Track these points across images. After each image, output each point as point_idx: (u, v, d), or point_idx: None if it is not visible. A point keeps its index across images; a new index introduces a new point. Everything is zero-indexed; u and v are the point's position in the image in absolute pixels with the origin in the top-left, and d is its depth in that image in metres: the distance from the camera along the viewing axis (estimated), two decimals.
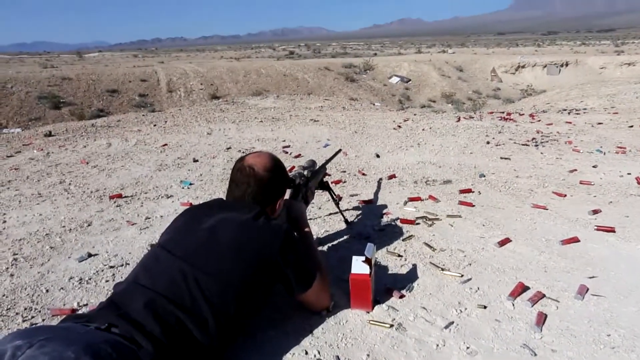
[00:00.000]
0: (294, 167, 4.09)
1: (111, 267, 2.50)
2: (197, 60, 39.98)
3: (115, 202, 3.61)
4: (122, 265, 2.52)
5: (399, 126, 6.64)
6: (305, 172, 2.49)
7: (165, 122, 7.50)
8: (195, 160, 4.87)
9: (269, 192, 1.85)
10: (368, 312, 1.95)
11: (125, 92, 23.21)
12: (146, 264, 1.62)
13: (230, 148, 5.43)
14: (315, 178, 2.63)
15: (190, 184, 4.01)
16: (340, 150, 3.36)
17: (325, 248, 2.68)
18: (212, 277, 1.50)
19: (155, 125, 7.15)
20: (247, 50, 65.01)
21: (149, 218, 3.26)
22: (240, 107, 9.61)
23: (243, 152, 5.16)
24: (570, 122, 6.85)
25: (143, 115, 9.11)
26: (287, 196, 2.11)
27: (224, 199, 1.89)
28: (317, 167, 2.72)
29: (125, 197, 3.74)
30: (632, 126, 6.51)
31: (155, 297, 1.43)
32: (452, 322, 1.86)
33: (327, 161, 2.92)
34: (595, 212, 3.07)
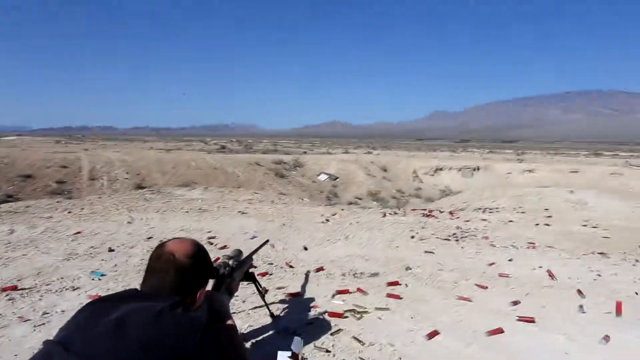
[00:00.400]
0: (218, 257, 3.90)
1: None
2: (125, 149, 39.16)
3: (7, 295, 3.17)
4: None
5: (327, 220, 6.72)
6: (231, 262, 2.36)
7: (82, 209, 7.02)
8: (110, 250, 4.50)
9: (189, 281, 1.67)
10: None
11: (41, 177, 21.79)
12: None
13: (151, 237, 5.12)
14: (240, 268, 2.49)
15: (102, 275, 3.66)
16: (267, 241, 3.27)
17: (249, 344, 2.47)
18: None
19: (69, 212, 6.65)
20: (179, 143, 65.03)
21: (47, 313, 2.87)
22: (166, 197, 9.30)
23: None
24: (485, 220, 7.33)
25: (57, 201, 8.49)
26: (209, 287, 1.95)
27: (138, 289, 1.70)
28: (243, 257, 2.60)
29: (22, 289, 3.30)
30: (537, 224, 7.10)
31: None
32: None
33: (254, 252, 2.81)
34: (515, 303, 3.17)
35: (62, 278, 3.58)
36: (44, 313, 2.86)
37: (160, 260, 1.64)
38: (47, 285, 3.41)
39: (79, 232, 5.25)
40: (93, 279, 3.57)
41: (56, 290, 3.30)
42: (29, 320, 2.75)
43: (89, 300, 3.01)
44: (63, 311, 2.90)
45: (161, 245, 1.71)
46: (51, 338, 1.50)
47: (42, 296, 3.18)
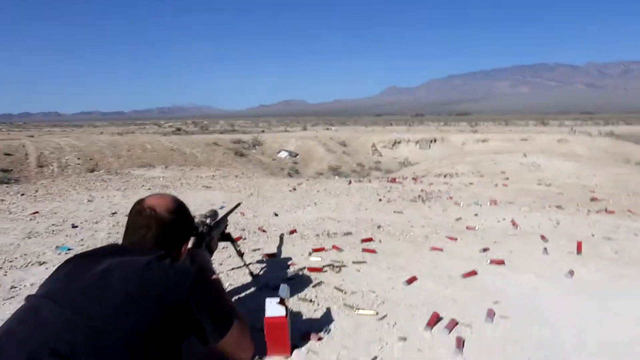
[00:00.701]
0: (195, 216, 3.83)
1: None
2: (74, 134, 37.29)
3: None
4: None
5: (294, 189, 6.71)
6: (208, 221, 2.33)
7: (36, 191, 6.66)
8: (74, 226, 4.32)
9: (172, 236, 1.62)
10: (286, 358, 1.78)
11: None
12: (22, 317, 1.27)
13: (115, 213, 4.95)
14: (218, 228, 2.46)
15: (69, 249, 3.51)
16: (239, 203, 3.23)
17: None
18: (107, 327, 1.23)
19: (22, 195, 6.30)
20: (131, 127, 62.60)
21: (15, 287, 2.73)
22: (124, 177, 8.99)
23: None
24: (447, 183, 7.55)
25: (7, 186, 8.03)
26: (189, 245, 1.91)
27: (123, 243, 1.64)
28: (219, 217, 2.56)
29: None
30: (496, 185, 7.39)
31: (39, 351, 1.13)
32: (376, 357, 1.77)
33: (229, 212, 2.77)
34: (484, 250, 3.31)
35: (25, 255, 3.41)
36: (12, 287, 2.73)
37: (141, 215, 1.58)
38: (10, 262, 3.24)
39: (36, 212, 4.99)
40: (59, 254, 3.42)
41: (21, 266, 3.14)
42: None
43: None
44: (32, 284, 2.77)
45: (140, 201, 1.64)
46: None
47: (6, 272, 3.02)
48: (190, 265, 1.87)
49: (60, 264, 1.48)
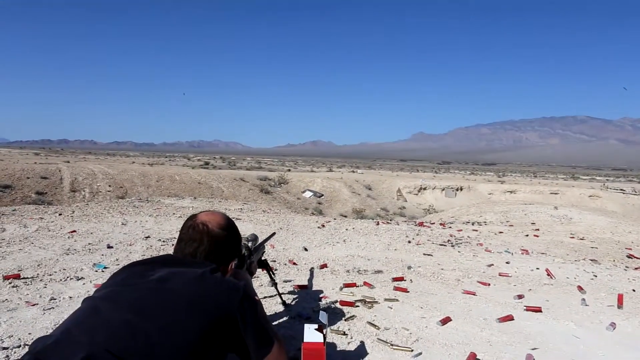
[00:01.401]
0: None
1: (4, 348, 2.06)
2: (107, 162, 38.56)
3: (10, 282, 3.10)
4: (18, 346, 2.10)
5: (323, 225, 6.74)
6: (249, 244, 2.39)
7: (73, 212, 6.90)
8: (109, 247, 4.44)
9: (223, 251, 1.68)
10: None
11: (20, 188, 21.27)
12: (80, 317, 1.32)
13: (149, 237, 5.06)
14: (257, 252, 2.52)
15: (105, 267, 3.60)
16: (275, 233, 3.29)
17: None
18: (164, 330, 1.28)
19: (60, 215, 6.53)
20: (161, 158, 64.39)
21: (55, 299, 2.81)
22: (155, 205, 9.20)
23: (164, 242, 4.83)
24: (476, 230, 7.44)
25: (44, 207, 8.32)
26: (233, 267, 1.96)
27: (177, 254, 1.70)
28: (259, 242, 2.62)
29: (25, 278, 3.23)
30: (527, 235, 7.24)
31: (96, 352, 1.18)
32: None
33: (266, 239, 2.83)
34: (519, 296, 3.23)
35: (64, 269, 3.51)
36: (52, 299, 2.81)
37: (194, 230, 1.65)
38: (50, 275, 3.35)
39: (74, 231, 5.16)
40: (96, 271, 3.51)
41: (60, 280, 3.23)
42: (36, 304, 2.69)
43: (95, 288, 2.98)
44: (71, 297, 2.85)
45: (193, 216, 1.72)
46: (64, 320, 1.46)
47: (46, 285, 3.11)
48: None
49: (117, 270, 1.56)
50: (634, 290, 3.63)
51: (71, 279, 3.27)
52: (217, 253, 1.64)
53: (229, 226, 1.74)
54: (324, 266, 4.05)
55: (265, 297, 3.02)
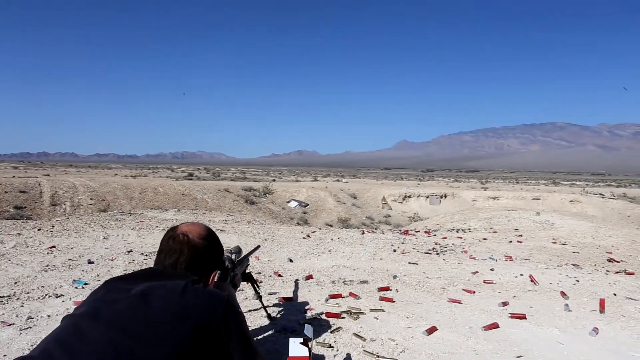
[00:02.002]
0: None
1: None
2: (88, 175, 37.90)
3: None
4: None
5: (308, 235, 6.71)
6: (233, 257, 2.36)
7: (53, 227, 6.75)
8: (90, 262, 4.34)
9: (203, 262, 1.65)
10: None
11: None
12: (60, 336, 1.28)
13: (131, 251, 4.98)
14: (241, 265, 2.49)
15: (86, 284, 3.52)
16: (259, 246, 3.26)
17: None
18: (148, 346, 1.24)
19: (39, 230, 6.38)
20: (144, 170, 63.63)
21: (32, 318, 2.73)
22: (138, 218, 9.06)
23: (147, 256, 4.75)
24: (461, 237, 7.49)
25: (22, 221, 8.13)
26: (215, 278, 1.93)
27: (157, 267, 1.66)
28: (243, 255, 2.59)
29: (0, 297, 3.13)
30: (511, 241, 7.31)
31: None
32: None
33: (251, 252, 2.80)
34: (504, 303, 3.25)
35: (42, 287, 3.43)
36: (29, 318, 2.73)
37: (175, 240, 1.63)
38: (28, 293, 3.26)
39: (53, 247, 5.04)
40: (76, 287, 3.43)
41: (38, 298, 3.15)
42: (12, 324, 2.61)
43: (76, 305, 2.91)
44: (49, 316, 2.77)
45: (174, 227, 1.69)
46: (41, 341, 1.41)
47: (23, 303, 3.03)
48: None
49: (98, 286, 1.51)
50: (615, 295, 3.68)
51: (50, 296, 3.19)
52: (198, 263, 1.61)
53: (210, 236, 1.71)
54: (309, 277, 4.02)
55: (250, 311, 2.98)
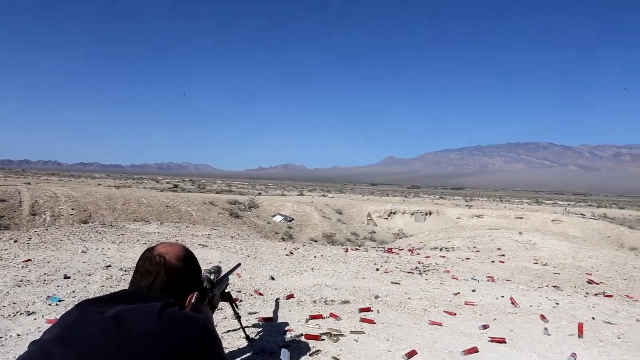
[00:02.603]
0: None
1: None
2: (71, 185, 37.29)
3: None
4: None
5: (291, 252, 6.66)
6: (212, 277, 2.32)
7: (30, 239, 6.59)
8: (66, 277, 4.23)
9: (180, 284, 1.62)
10: None
11: None
12: None
13: (110, 266, 4.87)
14: (220, 285, 2.45)
15: (60, 300, 3.43)
16: (239, 264, 3.22)
17: None
18: None
19: (15, 242, 6.22)
20: (128, 180, 62.89)
21: (0, 337, 2.64)
22: (119, 230, 8.91)
23: (125, 271, 4.66)
24: (444, 257, 7.52)
25: (0, 231, 7.93)
26: (193, 300, 1.89)
27: (132, 289, 1.62)
28: (222, 274, 2.55)
29: None
30: (493, 261, 7.36)
31: None
32: None
33: (230, 271, 2.76)
34: (485, 326, 3.25)
35: (14, 303, 3.32)
36: None
37: (151, 262, 1.59)
38: None
39: (28, 260, 4.91)
40: (50, 304, 3.34)
41: (8, 315, 3.05)
42: None
43: (48, 324, 2.83)
44: (19, 335, 2.69)
45: (151, 248, 1.66)
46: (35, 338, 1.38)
47: None
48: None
49: (69, 309, 1.47)
50: (593, 319, 3.71)
51: (21, 314, 3.09)
52: (175, 285, 1.58)
53: (187, 257, 1.68)
54: (290, 296, 3.98)
55: (228, 331, 2.93)
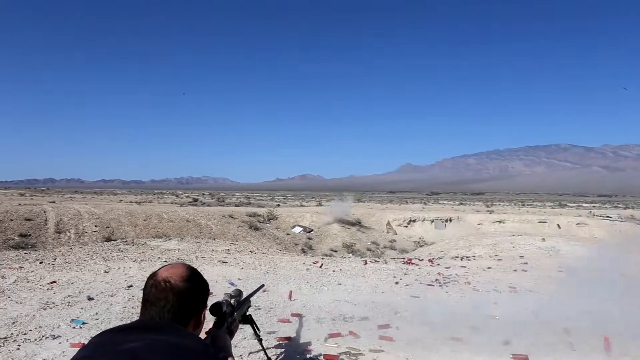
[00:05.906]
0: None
1: None
2: (93, 202, 38.06)
3: None
4: None
5: (310, 267, 6.67)
6: (232, 301, 2.33)
7: (55, 259, 6.76)
8: (90, 299, 4.33)
9: (190, 303, 1.63)
10: None
11: (3, 231, 20.80)
12: None
13: (131, 286, 4.96)
14: (240, 309, 2.46)
15: (84, 323, 3.51)
16: (263, 285, 3.24)
17: None
18: None
19: (41, 263, 6.39)
20: (149, 196, 63.88)
21: None
22: (141, 248, 9.06)
23: None
24: (464, 267, 7.42)
25: (25, 252, 8.15)
26: (210, 324, 1.92)
27: (147, 319, 1.65)
28: (243, 297, 2.57)
29: None
30: (515, 270, 7.23)
31: None
32: None
33: (252, 294, 2.77)
34: (506, 342, 3.20)
35: (40, 327, 3.41)
36: None
37: (157, 288, 1.61)
38: (25, 334, 3.24)
39: (54, 282, 5.04)
40: (74, 327, 3.42)
41: (35, 339, 3.13)
42: None
43: (73, 349, 2.89)
44: None
45: (154, 274, 1.67)
46: None
47: (19, 346, 3.01)
48: (211, 345, 1.87)
49: (89, 340, 1.51)
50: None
51: (47, 337, 3.17)
52: (185, 307, 1.59)
53: (192, 276, 1.69)
54: (309, 314, 3.98)
55: (250, 353, 2.95)
